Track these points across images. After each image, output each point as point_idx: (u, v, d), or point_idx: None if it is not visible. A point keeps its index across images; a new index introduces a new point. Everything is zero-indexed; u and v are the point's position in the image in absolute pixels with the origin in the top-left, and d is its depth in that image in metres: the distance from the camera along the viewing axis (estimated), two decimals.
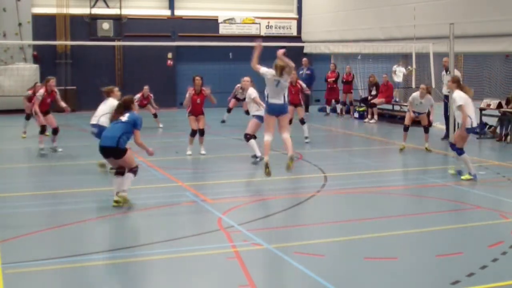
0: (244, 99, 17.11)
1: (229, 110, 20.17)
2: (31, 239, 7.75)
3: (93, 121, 11.69)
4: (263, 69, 10.49)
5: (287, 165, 10.23)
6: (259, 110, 12.72)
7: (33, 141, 15.76)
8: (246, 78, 13.70)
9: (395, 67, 23.74)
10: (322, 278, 6.28)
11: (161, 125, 19.23)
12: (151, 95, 19.29)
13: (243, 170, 12.56)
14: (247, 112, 17.29)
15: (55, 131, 14.22)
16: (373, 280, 6.36)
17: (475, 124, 10.96)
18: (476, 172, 11.06)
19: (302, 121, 15.78)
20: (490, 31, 17.07)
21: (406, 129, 14.57)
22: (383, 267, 6.74)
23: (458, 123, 11.35)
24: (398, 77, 23.45)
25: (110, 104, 11.28)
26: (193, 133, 13.85)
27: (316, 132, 18.32)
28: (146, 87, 19.16)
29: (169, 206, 9.47)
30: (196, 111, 13.85)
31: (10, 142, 16.35)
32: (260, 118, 12.51)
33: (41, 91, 14.18)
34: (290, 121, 15.39)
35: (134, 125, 9.10)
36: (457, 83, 10.98)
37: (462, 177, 11.07)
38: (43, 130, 14.19)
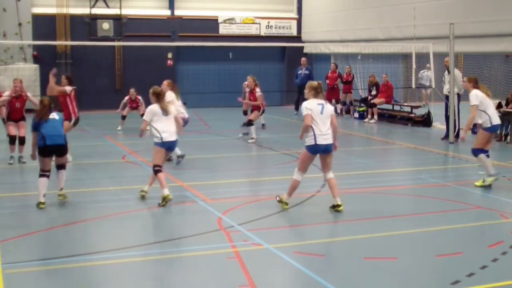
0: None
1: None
2: (31, 239, 7.76)
3: (173, 137, 9.77)
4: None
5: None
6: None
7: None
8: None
9: (421, 73, 23.89)
10: (322, 278, 6.28)
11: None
12: (139, 97, 18.19)
13: (243, 170, 12.56)
14: (245, 113, 17.21)
15: None
16: (373, 280, 6.36)
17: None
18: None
19: (250, 123, 15.88)
20: (490, 31, 17.06)
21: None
22: (383, 267, 6.74)
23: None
24: (425, 81, 23.64)
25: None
26: (13, 140, 12.84)
27: None
28: (132, 90, 18.37)
29: (169, 206, 9.46)
30: (16, 115, 12.75)
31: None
32: None
33: None
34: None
35: (63, 119, 9.97)
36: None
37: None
38: None
